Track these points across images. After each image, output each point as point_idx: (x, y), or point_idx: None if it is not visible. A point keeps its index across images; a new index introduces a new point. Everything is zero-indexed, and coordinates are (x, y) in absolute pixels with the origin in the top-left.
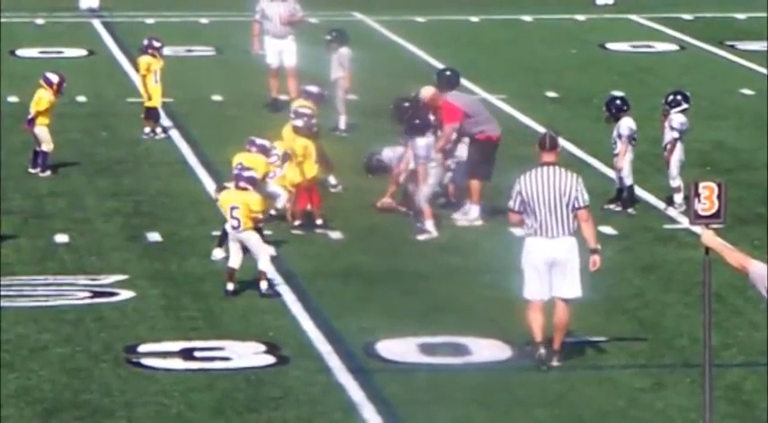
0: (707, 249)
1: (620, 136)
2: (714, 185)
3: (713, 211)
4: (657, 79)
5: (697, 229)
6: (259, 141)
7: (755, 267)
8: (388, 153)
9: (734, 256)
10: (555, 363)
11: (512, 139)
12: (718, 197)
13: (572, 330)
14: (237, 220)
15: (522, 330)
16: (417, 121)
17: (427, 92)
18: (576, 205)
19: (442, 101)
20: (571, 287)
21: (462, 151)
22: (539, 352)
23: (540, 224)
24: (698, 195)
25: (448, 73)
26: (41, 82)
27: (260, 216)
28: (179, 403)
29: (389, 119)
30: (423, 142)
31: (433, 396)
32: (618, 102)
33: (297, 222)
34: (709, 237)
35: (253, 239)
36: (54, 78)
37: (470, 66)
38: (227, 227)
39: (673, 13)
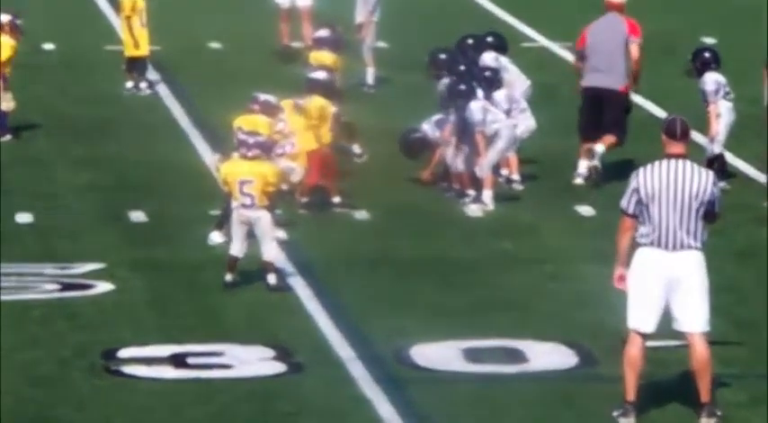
0: None
1: (704, 94)
2: None
3: None
4: (761, 24)
5: None
6: (263, 97)
7: None
8: (428, 128)
9: None
10: (706, 420)
11: (579, 96)
12: None
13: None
14: (251, 196)
15: (585, 329)
16: (463, 87)
17: None
18: (710, 211)
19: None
20: (697, 316)
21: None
22: (626, 418)
23: (659, 232)
24: None
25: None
26: None
27: (276, 189)
28: (168, 420)
29: (426, 75)
30: (476, 105)
31: (481, 412)
32: (706, 55)
33: (304, 199)
34: None
35: (264, 221)
36: (4, 18)
37: (526, 7)
38: (234, 205)
39: None
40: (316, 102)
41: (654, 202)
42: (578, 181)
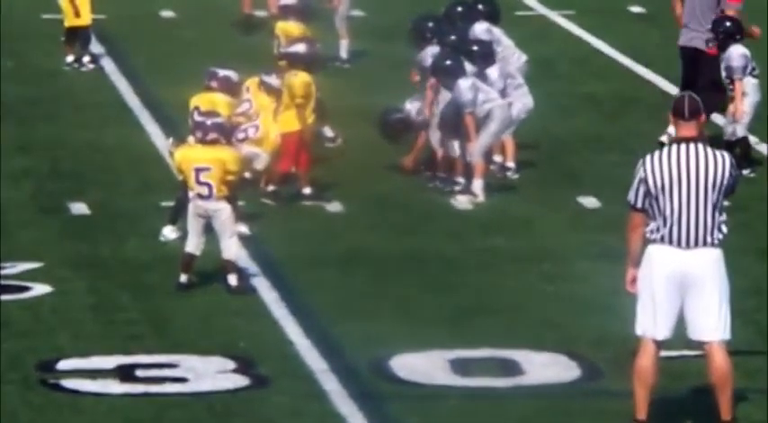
0: None
1: (729, 70)
2: None
3: None
4: None
5: None
6: (222, 73)
7: None
8: (411, 107)
9: None
10: None
11: (582, 72)
12: None
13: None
14: (208, 185)
15: (589, 338)
16: (449, 62)
17: None
18: (727, 193)
19: None
20: (716, 323)
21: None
22: None
23: (671, 227)
24: None
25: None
26: None
27: (237, 178)
28: None
29: (409, 44)
30: (465, 84)
31: None
32: (728, 23)
33: (270, 188)
34: None
35: (224, 214)
36: None
37: None
38: (190, 196)
39: None
40: (300, 78)
41: (664, 194)
42: (664, 138)
